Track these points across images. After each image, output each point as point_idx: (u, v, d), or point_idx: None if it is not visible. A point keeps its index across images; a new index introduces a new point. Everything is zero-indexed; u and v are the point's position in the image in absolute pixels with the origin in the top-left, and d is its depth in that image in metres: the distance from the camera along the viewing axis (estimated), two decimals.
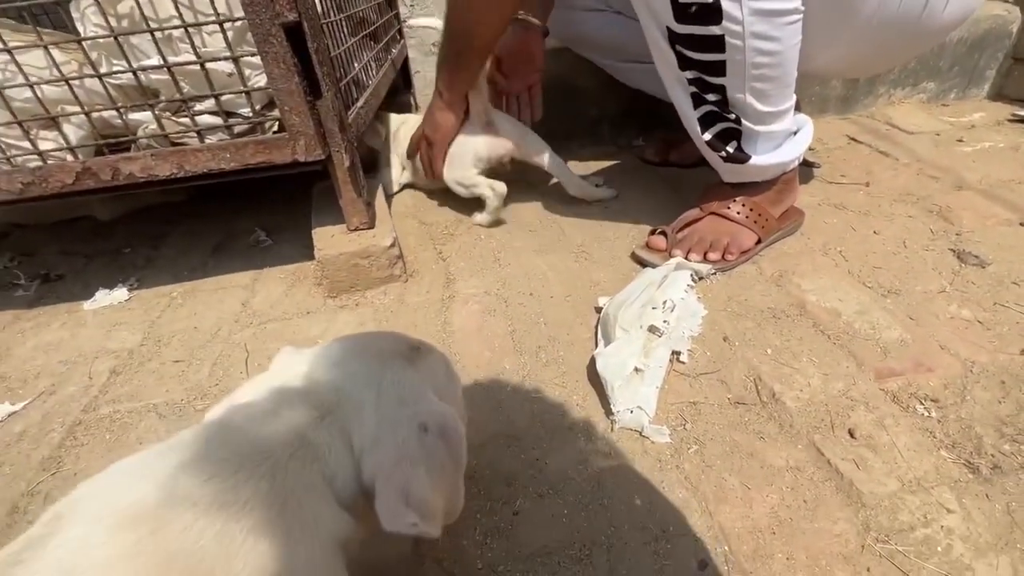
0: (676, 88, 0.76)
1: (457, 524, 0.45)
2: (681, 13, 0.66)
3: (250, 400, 0.33)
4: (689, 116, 0.78)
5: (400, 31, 1.59)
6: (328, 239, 0.81)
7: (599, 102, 1.29)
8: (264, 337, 0.76)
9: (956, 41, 1.31)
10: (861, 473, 0.51)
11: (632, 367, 0.58)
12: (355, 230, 0.82)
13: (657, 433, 0.55)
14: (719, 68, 0.69)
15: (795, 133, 0.81)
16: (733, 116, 0.75)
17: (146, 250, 1.05)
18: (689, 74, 0.72)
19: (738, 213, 0.82)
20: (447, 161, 0.97)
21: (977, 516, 0.47)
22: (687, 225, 0.84)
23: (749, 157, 0.77)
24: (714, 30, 0.66)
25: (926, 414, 0.57)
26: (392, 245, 0.81)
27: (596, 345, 0.67)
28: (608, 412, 0.58)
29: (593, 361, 0.62)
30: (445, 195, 1.07)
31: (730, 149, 0.78)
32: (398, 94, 1.61)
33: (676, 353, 0.65)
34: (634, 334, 0.62)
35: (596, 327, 0.71)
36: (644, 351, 0.61)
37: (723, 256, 0.80)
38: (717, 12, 0.64)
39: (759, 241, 0.83)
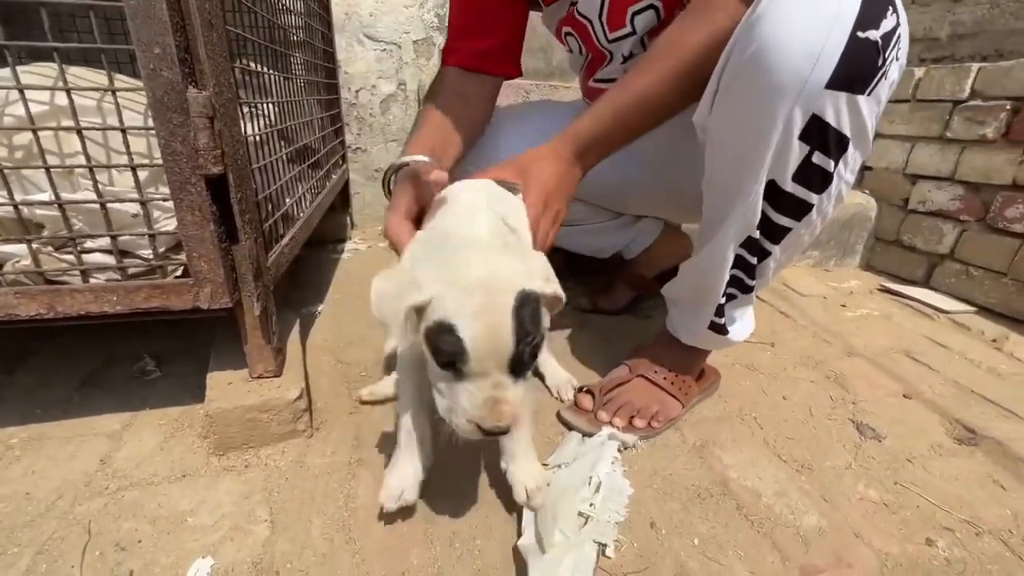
0: (726, 247, 0.71)
1: None
2: (803, 173, 0.63)
3: None
4: (719, 276, 0.74)
5: (344, 156, 1.64)
6: (224, 387, 0.72)
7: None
8: (118, 511, 0.62)
9: (831, 220, 1.54)
10: None
11: None
12: (258, 377, 0.73)
13: None
14: (780, 235, 0.69)
15: None
16: (751, 284, 0.74)
17: None
18: (755, 233, 0.69)
19: (664, 379, 0.83)
20: None
21: None
22: (616, 386, 0.84)
23: (728, 331, 0.79)
24: (812, 198, 0.65)
25: None
26: (299, 397, 0.73)
27: (520, 533, 0.60)
28: None
29: (524, 565, 0.55)
30: (372, 327, 1.02)
31: (723, 320, 0.77)
32: (334, 216, 1.61)
33: (603, 546, 0.60)
34: (574, 539, 0.56)
35: (521, 510, 0.65)
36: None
37: (649, 424, 0.79)
38: (827, 182, 0.64)
39: (682, 408, 0.83)
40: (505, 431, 0.47)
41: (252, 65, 0.84)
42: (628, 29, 0.85)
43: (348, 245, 1.64)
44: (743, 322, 0.81)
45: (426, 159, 0.72)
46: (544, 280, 0.50)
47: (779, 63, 0.56)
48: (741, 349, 1.10)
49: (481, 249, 0.50)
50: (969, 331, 1.25)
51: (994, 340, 1.20)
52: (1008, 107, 1.26)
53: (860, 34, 0.54)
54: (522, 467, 0.60)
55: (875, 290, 1.49)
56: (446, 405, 0.49)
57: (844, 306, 1.36)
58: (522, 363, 0.46)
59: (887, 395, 0.97)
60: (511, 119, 1.01)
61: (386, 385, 0.84)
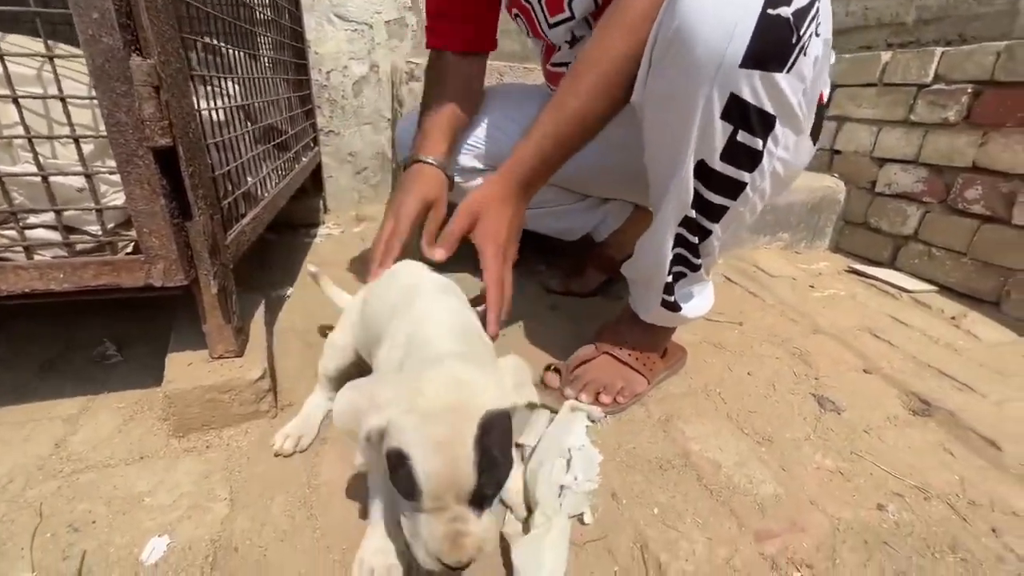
0: (666, 227, 0.72)
1: None
2: (730, 152, 0.62)
3: None
4: (663, 255, 0.74)
5: (315, 139, 1.61)
6: (183, 368, 0.70)
7: None
8: (72, 493, 0.61)
9: (800, 203, 1.57)
10: None
11: (549, 563, 0.53)
12: (219, 358, 0.72)
13: None
14: (719, 213, 0.68)
15: None
16: (698, 262, 0.75)
17: None
18: (691, 212, 0.69)
19: (629, 355, 0.84)
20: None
21: None
22: (581, 364, 0.85)
23: (680, 308, 0.79)
24: (744, 176, 0.64)
25: None
26: (262, 377, 0.72)
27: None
28: None
29: (507, 548, 0.55)
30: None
31: (673, 298, 0.78)
32: (305, 198, 1.58)
33: (579, 515, 0.61)
34: (555, 521, 0.57)
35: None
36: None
37: (615, 399, 0.80)
38: (757, 160, 0.63)
39: (648, 384, 0.84)
40: (467, 565, 0.42)
41: (213, 41, 0.81)
42: (567, 14, 0.87)
43: (321, 230, 1.61)
44: (700, 299, 0.83)
45: (434, 162, 0.89)
46: (515, 388, 0.47)
47: (696, 41, 0.56)
48: (709, 328, 1.12)
49: (443, 366, 0.46)
50: (930, 309, 1.29)
51: (953, 318, 1.24)
52: (969, 90, 1.29)
53: (771, 11, 0.54)
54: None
55: (843, 271, 1.52)
56: (409, 532, 0.45)
57: (812, 287, 1.39)
58: (484, 496, 0.42)
59: (848, 370, 1.00)
60: (495, 99, 1.09)
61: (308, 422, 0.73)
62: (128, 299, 1.01)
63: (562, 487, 0.63)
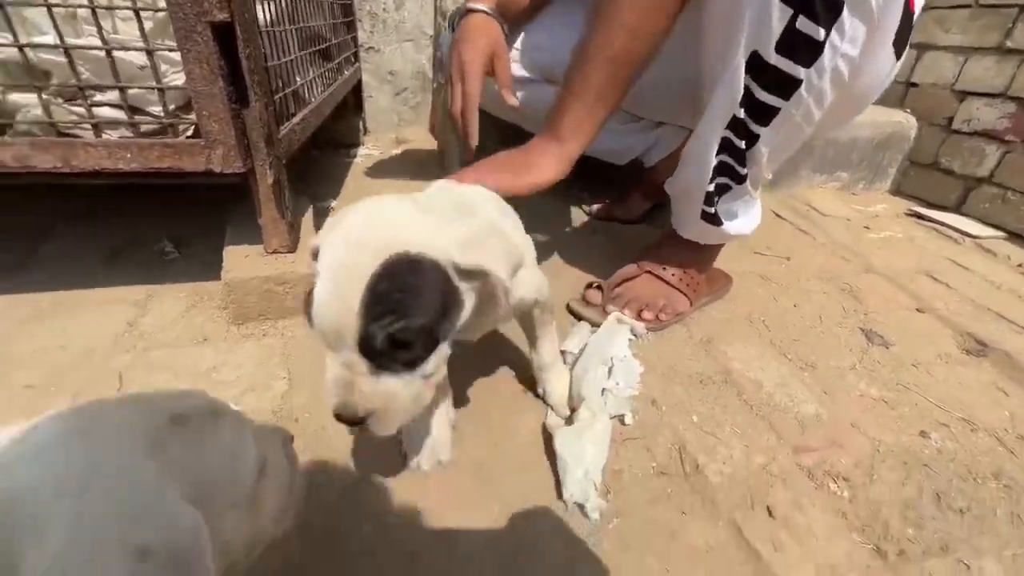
0: (712, 130, 0.68)
1: None
2: (787, 41, 0.57)
3: None
4: (706, 162, 0.70)
5: (356, 54, 1.56)
6: (240, 259, 0.73)
7: None
8: (146, 365, 0.66)
9: (865, 140, 1.46)
10: (778, 556, 0.50)
11: (591, 453, 0.55)
12: (273, 252, 0.74)
13: (594, 509, 0.51)
14: (769, 115, 0.64)
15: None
16: (744, 172, 0.71)
17: (22, 247, 0.90)
18: (740, 112, 0.64)
19: (672, 275, 0.83)
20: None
21: None
22: (624, 281, 0.84)
23: (721, 222, 0.77)
24: (799, 72, 0.59)
25: (839, 493, 0.57)
26: None
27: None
28: (559, 494, 0.54)
29: (551, 438, 0.58)
30: None
31: (713, 209, 0.75)
32: (348, 116, 1.56)
33: (620, 416, 0.63)
34: (600, 416, 0.58)
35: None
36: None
37: (657, 316, 0.80)
38: (816, 53, 0.58)
39: (691, 304, 0.84)
40: (354, 423, 0.38)
41: None
42: None
43: (361, 150, 1.60)
44: (745, 217, 0.79)
45: (489, 11, 0.79)
46: (466, 248, 0.38)
47: None
48: (755, 260, 1.09)
49: (390, 203, 0.41)
50: (995, 256, 1.21)
51: (1020, 265, 1.17)
52: None
53: None
54: (551, 375, 0.64)
55: (902, 214, 1.43)
56: None
57: (867, 228, 1.32)
58: (373, 349, 0.36)
59: (900, 308, 0.96)
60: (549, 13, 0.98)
61: None
62: (185, 200, 1.04)
63: (604, 390, 0.64)
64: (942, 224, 1.34)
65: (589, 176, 1.33)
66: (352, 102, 1.58)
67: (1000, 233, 1.29)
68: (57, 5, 0.53)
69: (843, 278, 1.05)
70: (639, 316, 0.80)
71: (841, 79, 0.61)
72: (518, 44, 0.98)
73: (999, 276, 1.11)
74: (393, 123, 1.79)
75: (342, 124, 1.55)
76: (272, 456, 0.34)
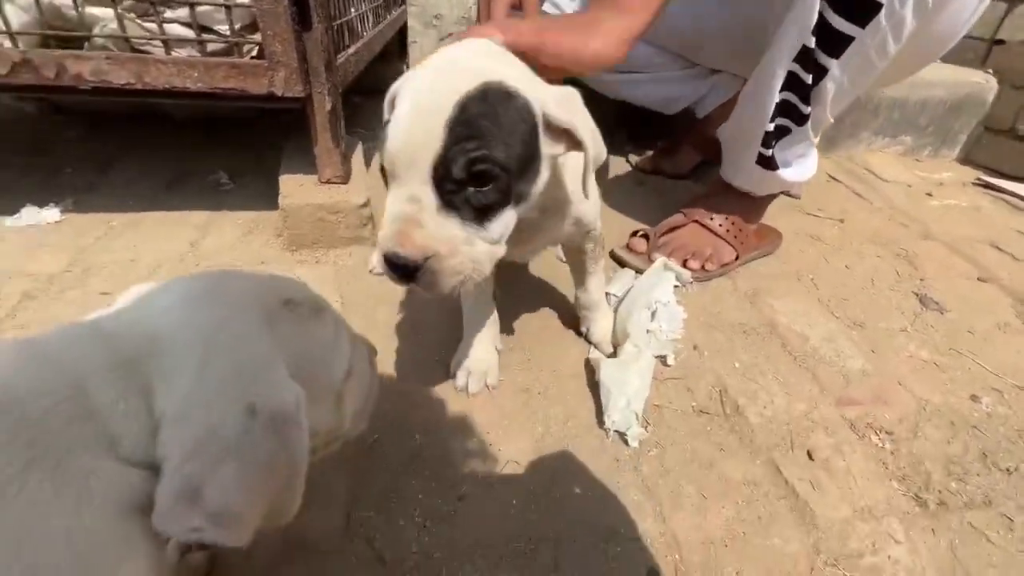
0: (777, 63, 0.65)
1: (396, 502, 0.41)
2: None
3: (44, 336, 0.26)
4: (768, 99, 0.67)
5: None
6: (296, 187, 0.75)
7: (590, 107, 1.27)
8: None
9: (937, 101, 1.37)
10: (816, 495, 0.50)
11: (635, 384, 0.56)
12: (327, 182, 0.76)
13: (634, 437, 0.53)
14: (842, 46, 0.60)
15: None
16: (807, 112, 0.67)
17: (90, 173, 0.95)
18: (810, 41, 0.61)
19: (720, 226, 0.81)
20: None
21: (922, 550, 0.47)
22: (670, 230, 0.83)
23: (777, 166, 0.74)
24: None
25: (880, 445, 0.57)
26: (365, 204, 0.75)
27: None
28: (600, 421, 0.55)
29: (589, 364, 0.59)
30: None
31: (771, 152, 0.72)
32: (391, 62, 1.54)
33: (662, 357, 0.63)
34: (644, 352, 0.59)
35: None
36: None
37: (703, 266, 0.79)
38: None
39: (737, 257, 0.82)
40: (407, 264, 0.33)
41: None
42: None
43: None
44: (801, 166, 0.77)
45: None
46: (558, 106, 0.36)
47: None
48: (807, 220, 1.05)
49: (486, 44, 0.39)
50: None
51: None
52: None
53: None
54: (596, 313, 0.65)
55: (969, 183, 1.35)
56: None
57: (930, 195, 1.25)
58: (448, 175, 0.32)
59: (959, 276, 0.92)
60: None
61: None
62: (236, 139, 1.06)
63: (647, 331, 0.65)
64: (1014, 195, 1.26)
65: (632, 124, 1.29)
66: (396, 47, 1.56)
67: None
68: None
69: (899, 243, 1.01)
70: (684, 265, 0.79)
71: (924, 7, 0.57)
72: None
73: None
74: None
75: (387, 68, 1.53)
76: (358, 362, 0.36)
